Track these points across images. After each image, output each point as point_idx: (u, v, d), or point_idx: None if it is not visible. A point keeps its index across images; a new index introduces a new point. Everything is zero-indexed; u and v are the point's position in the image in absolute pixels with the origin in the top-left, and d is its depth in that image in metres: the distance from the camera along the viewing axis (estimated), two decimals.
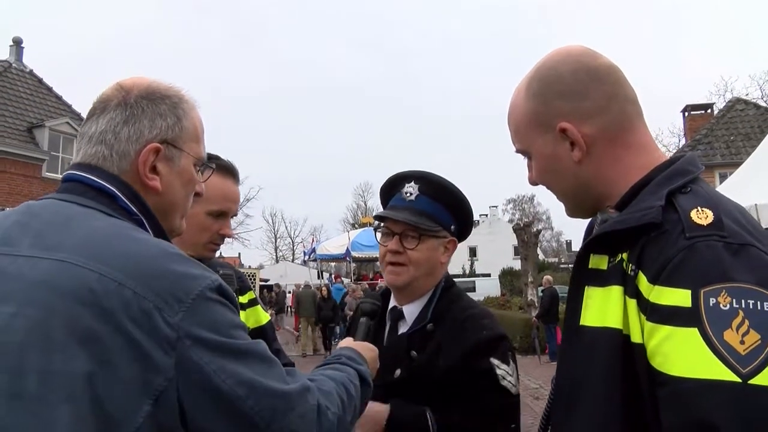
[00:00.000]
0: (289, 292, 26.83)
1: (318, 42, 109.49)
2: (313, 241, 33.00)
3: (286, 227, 66.88)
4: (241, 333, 1.15)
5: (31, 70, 23.04)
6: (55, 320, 1.00)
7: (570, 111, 1.25)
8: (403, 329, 2.02)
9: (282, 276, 40.84)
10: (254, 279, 19.46)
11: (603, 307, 1.17)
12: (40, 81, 24.33)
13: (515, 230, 22.65)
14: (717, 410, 0.95)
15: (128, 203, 1.21)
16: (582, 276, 1.26)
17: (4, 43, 23.46)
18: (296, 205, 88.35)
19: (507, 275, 38.93)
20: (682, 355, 1.00)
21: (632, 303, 1.11)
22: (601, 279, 1.19)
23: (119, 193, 1.20)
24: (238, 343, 1.12)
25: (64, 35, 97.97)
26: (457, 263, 60.12)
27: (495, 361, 1.82)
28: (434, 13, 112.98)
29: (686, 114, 26.10)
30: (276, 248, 67.25)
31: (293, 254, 64.57)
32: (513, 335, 16.34)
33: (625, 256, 1.15)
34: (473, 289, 39.86)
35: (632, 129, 1.26)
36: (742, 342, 0.97)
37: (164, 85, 1.31)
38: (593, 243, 1.22)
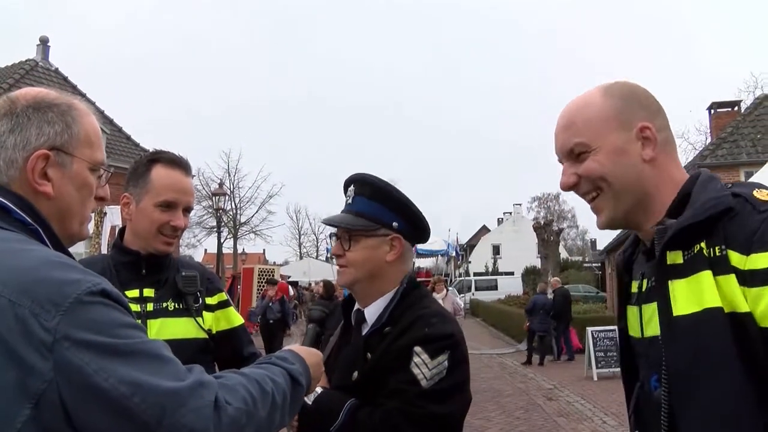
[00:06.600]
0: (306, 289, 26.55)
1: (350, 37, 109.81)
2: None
3: (310, 223, 66.90)
4: (129, 332, 1.14)
5: (57, 69, 23.32)
6: None
7: (648, 118, 1.44)
8: (365, 331, 2.03)
9: (305, 272, 40.96)
10: (272, 275, 19.52)
11: (696, 293, 1.28)
12: (65, 79, 24.36)
13: (535, 229, 22.51)
14: None
15: (23, 215, 1.24)
16: (664, 272, 1.37)
17: (32, 43, 23.74)
18: (321, 202, 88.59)
19: (530, 274, 38.61)
20: None
21: (730, 279, 1.23)
22: (682, 271, 1.32)
23: (13, 207, 1.24)
24: (123, 342, 1.11)
25: (89, 31, 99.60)
26: (480, 261, 59.80)
27: (417, 349, 1.82)
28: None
29: (712, 111, 25.39)
30: (300, 245, 67.51)
31: (317, 251, 64.82)
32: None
33: (703, 245, 1.29)
34: (495, 287, 39.51)
35: (675, 152, 1.50)
36: None
37: (53, 95, 1.35)
38: (670, 241, 1.34)
